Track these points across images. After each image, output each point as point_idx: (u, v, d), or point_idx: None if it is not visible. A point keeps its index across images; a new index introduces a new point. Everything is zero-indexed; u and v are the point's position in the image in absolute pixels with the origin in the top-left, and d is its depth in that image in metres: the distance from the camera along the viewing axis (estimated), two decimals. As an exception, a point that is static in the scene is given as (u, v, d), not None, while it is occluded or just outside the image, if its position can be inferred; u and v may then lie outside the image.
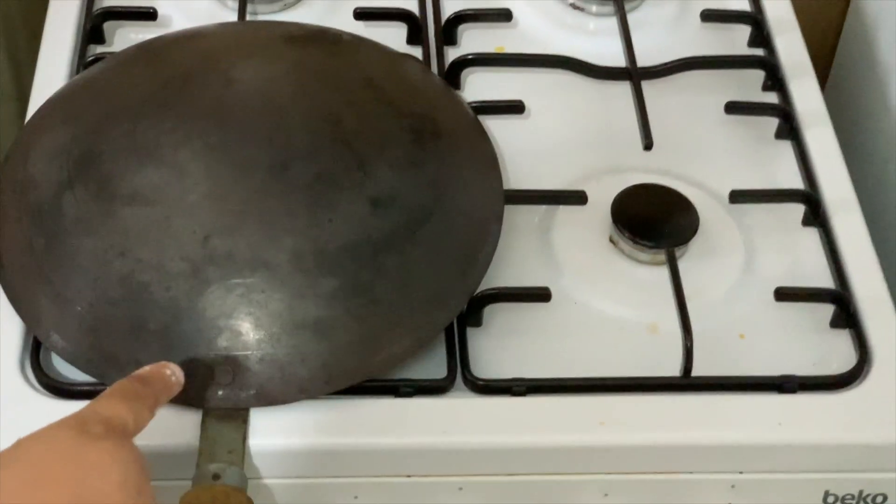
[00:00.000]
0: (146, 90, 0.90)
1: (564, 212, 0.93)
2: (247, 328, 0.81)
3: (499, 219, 0.89)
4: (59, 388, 0.83)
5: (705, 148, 1.00)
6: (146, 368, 0.76)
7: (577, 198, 0.92)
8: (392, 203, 0.85)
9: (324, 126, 0.87)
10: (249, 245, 0.82)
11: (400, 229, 0.85)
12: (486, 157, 0.92)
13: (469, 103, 0.96)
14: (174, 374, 0.77)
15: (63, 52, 1.01)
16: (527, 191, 0.93)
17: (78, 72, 0.99)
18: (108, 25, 1.03)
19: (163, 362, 0.77)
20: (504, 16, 1.04)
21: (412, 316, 0.84)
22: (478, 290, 0.86)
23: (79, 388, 0.83)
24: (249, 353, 0.81)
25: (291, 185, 0.84)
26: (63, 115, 0.92)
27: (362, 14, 1.03)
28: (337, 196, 0.84)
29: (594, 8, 1.08)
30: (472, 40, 1.05)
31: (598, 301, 0.90)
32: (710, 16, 1.05)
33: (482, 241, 0.87)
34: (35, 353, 0.84)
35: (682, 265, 0.91)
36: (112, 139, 0.87)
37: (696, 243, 0.92)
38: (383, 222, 0.84)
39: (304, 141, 0.86)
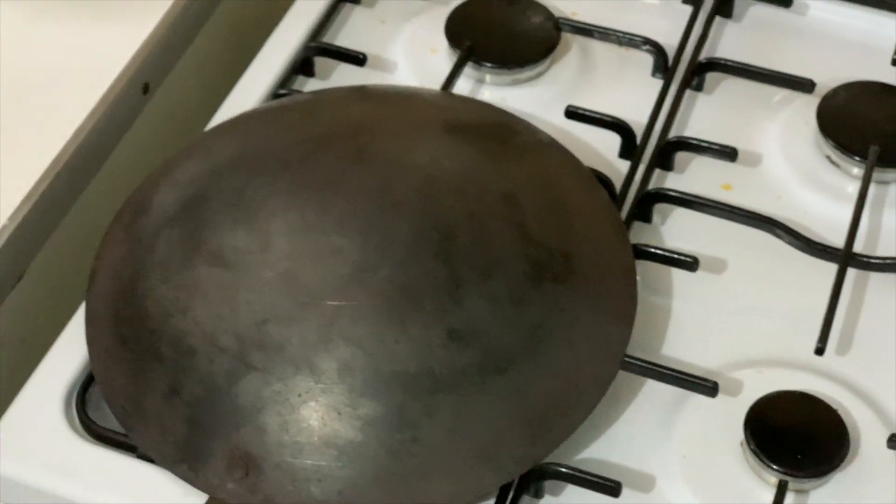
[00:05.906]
0: (280, 144, 0.84)
1: (704, 397, 0.81)
2: (272, 429, 0.75)
3: (601, 385, 0.78)
4: (93, 430, 0.80)
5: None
6: None
7: (707, 388, 0.79)
8: (471, 339, 0.76)
9: (431, 235, 0.78)
10: (303, 342, 0.75)
11: (470, 371, 0.75)
12: (617, 312, 0.80)
13: (636, 245, 0.85)
14: None
15: (268, 76, 0.96)
16: (649, 363, 0.80)
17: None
18: (320, 60, 0.98)
19: None
20: (728, 154, 0.91)
21: (453, 467, 0.74)
22: (546, 459, 0.76)
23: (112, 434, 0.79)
24: (267, 455, 0.74)
25: (369, 291, 0.76)
26: (213, 147, 0.87)
27: (573, 114, 0.93)
28: (413, 315, 0.76)
29: (854, 169, 0.93)
30: (699, 168, 0.93)
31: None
32: None
33: (569, 406, 0.76)
34: (84, 388, 0.81)
35: (815, 501, 0.77)
36: (224, 188, 0.82)
37: (839, 479, 0.78)
38: (454, 358, 0.75)
39: (403, 246, 0.78)
